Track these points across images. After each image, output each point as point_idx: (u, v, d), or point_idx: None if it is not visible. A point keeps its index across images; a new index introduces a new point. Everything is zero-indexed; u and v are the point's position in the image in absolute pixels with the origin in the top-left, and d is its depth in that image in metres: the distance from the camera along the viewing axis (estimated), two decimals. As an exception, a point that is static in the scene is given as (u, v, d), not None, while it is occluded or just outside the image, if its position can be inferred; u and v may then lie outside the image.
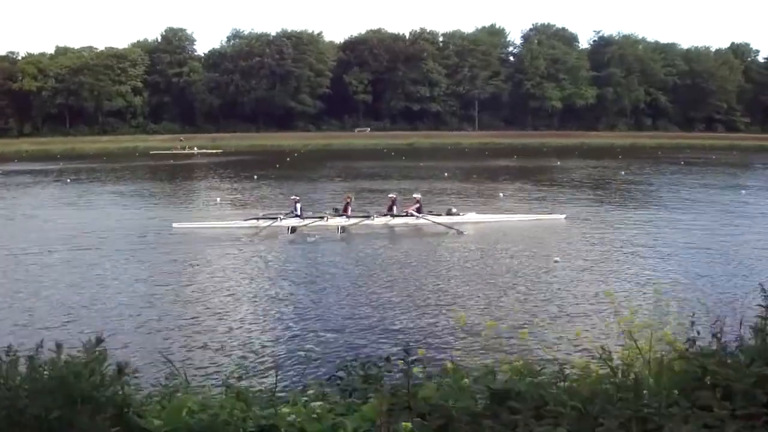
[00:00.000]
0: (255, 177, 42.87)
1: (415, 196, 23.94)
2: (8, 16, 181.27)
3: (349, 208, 23.55)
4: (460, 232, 21.25)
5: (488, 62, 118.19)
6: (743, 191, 32.91)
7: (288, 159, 64.15)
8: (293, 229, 21.90)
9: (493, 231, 21.64)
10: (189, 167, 56.62)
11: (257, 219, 22.35)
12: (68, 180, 43.61)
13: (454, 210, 23.37)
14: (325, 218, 22.74)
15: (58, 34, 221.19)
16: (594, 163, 56.24)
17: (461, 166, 53.69)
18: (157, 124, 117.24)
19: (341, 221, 22.65)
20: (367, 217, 22.92)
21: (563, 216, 23.72)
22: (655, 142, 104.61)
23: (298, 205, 23.18)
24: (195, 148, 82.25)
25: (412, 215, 22.99)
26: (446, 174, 43.67)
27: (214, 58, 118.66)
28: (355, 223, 22.68)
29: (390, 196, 24.19)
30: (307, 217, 22.90)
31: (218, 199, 31.93)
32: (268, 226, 21.68)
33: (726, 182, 38.62)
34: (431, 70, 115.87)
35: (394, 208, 23.56)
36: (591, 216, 25.03)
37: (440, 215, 22.98)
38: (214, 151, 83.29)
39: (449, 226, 21.83)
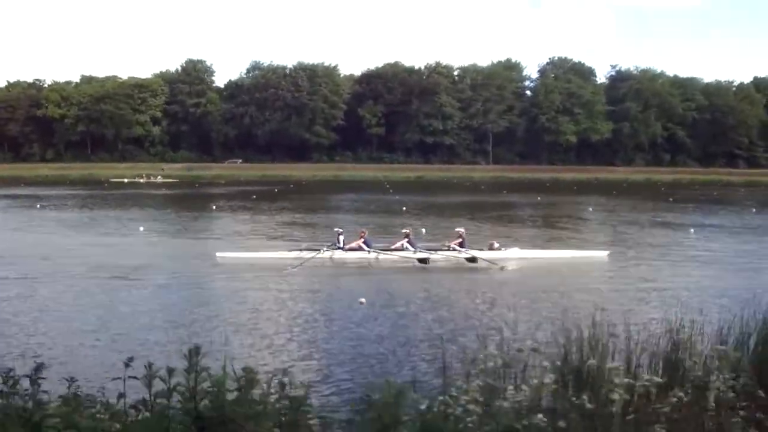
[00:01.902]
0: (213, 207, 43.31)
1: (458, 230, 23.64)
2: (36, 45, 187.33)
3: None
4: (502, 268, 21.08)
5: (502, 96, 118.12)
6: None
7: (276, 190, 64.60)
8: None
9: (536, 267, 21.51)
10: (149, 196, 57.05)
11: (300, 250, 22.38)
12: (38, 206, 44.44)
13: (496, 245, 23.10)
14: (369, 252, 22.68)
15: (84, 62, 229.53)
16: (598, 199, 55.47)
17: (449, 201, 53.51)
18: (176, 152, 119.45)
19: (371, 255, 22.62)
20: (413, 250, 22.69)
21: (606, 253, 23.53)
22: (671, 178, 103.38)
23: (341, 237, 23.02)
24: (159, 177, 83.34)
25: (454, 249, 22.74)
26: (404, 208, 43.41)
27: (231, 90, 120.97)
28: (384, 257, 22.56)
29: (457, 230, 23.82)
30: (349, 249, 22.78)
31: (141, 228, 32.04)
32: (312, 257, 21.58)
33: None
34: (445, 104, 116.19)
35: (412, 242, 23.30)
36: (635, 253, 24.83)
37: (482, 250, 22.79)
38: (171, 180, 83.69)
39: (492, 262, 21.62)
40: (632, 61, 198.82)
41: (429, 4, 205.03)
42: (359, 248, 22.84)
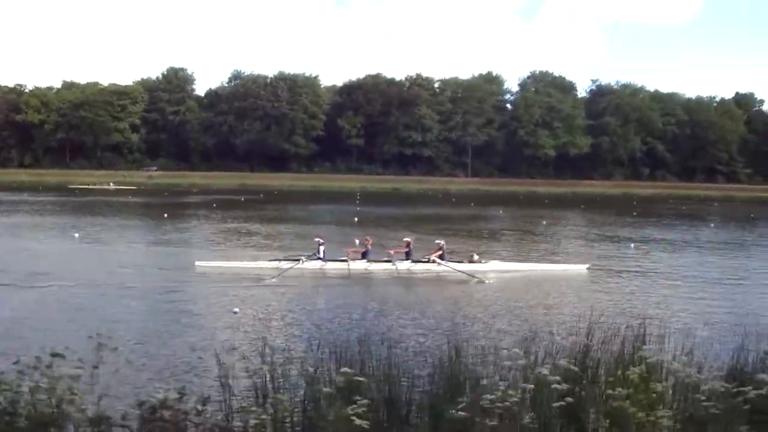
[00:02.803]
0: (165, 215, 42.86)
1: (438, 242, 23.29)
2: (18, 50, 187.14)
3: (408, 250, 23.01)
4: (481, 281, 20.81)
5: (482, 109, 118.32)
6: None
7: (243, 199, 64.17)
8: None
9: (515, 280, 21.40)
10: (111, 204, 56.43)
11: (279, 261, 22.17)
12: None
13: (476, 257, 22.86)
14: (348, 262, 22.26)
15: (66, 68, 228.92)
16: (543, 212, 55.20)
17: (408, 213, 53.15)
18: (154, 160, 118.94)
19: (359, 265, 22.27)
20: (389, 262, 22.45)
21: (585, 266, 23.24)
22: (649, 192, 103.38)
23: (322, 248, 22.68)
24: (111, 184, 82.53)
25: (434, 261, 22.46)
26: (356, 219, 42.99)
27: (211, 98, 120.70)
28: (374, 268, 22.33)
29: (405, 240, 23.65)
30: (329, 260, 22.53)
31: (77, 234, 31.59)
32: (290, 267, 21.31)
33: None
34: (424, 116, 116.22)
35: (411, 252, 23.01)
36: (614, 266, 24.61)
37: (462, 262, 22.55)
38: (132, 187, 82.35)
39: (471, 275, 21.35)
40: (620, 76, 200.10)
41: (416, 17, 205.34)
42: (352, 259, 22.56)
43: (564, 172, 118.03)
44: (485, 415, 4.97)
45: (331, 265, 22.23)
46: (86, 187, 79.95)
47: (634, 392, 5.33)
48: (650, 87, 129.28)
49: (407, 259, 22.72)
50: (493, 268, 22.42)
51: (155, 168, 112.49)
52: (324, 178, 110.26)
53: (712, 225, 46.90)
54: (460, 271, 21.71)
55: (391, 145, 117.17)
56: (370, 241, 23.64)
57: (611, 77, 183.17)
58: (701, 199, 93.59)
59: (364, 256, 22.83)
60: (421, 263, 22.56)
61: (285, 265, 21.53)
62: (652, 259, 27.32)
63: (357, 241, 28.08)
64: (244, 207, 55.25)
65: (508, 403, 5.06)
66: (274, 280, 19.88)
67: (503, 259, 24.66)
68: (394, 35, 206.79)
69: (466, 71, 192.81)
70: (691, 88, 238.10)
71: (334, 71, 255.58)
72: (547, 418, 5.39)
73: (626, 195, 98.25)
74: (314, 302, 17.76)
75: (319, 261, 22.38)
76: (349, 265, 22.12)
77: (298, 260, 21.99)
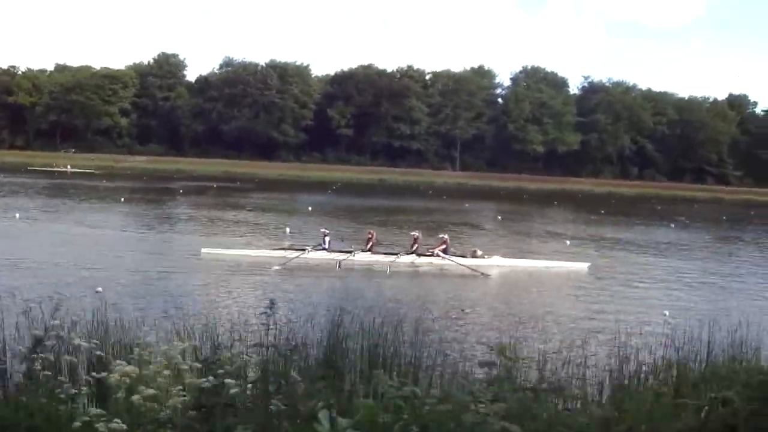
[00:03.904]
0: (122, 199, 43.11)
1: (441, 236, 23.82)
2: (13, 31, 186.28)
3: (372, 244, 23.43)
4: (485, 275, 21.21)
5: (472, 103, 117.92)
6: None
7: (215, 186, 64.44)
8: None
9: (517, 275, 21.88)
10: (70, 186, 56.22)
11: (285, 250, 22.77)
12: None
13: (479, 252, 23.30)
14: (353, 253, 22.65)
15: (59, 51, 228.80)
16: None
17: (374, 204, 53.28)
18: (143, 145, 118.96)
19: (363, 257, 22.64)
20: (395, 254, 22.81)
21: (586, 264, 23.70)
22: (635, 191, 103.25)
23: (327, 238, 23.25)
24: (69, 166, 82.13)
25: (438, 255, 22.85)
26: (310, 208, 43.20)
27: (201, 84, 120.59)
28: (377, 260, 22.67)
29: (413, 234, 24.05)
30: (334, 251, 22.93)
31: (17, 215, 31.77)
32: (296, 257, 21.78)
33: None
34: (413, 108, 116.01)
35: (416, 246, 23.38)
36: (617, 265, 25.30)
37: (465, 257, 22.94)
38: (91, 171, 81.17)
39: (474, 269, 21.73)
40: (617, 75, 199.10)
41: (413, 8, 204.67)
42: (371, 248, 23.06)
43: (553, 169, 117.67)
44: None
45: (335, 256, 22.58)
46: (44, 169, 79.87)
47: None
48: (644, 86, 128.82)
49: (412, 253, 23.06)
50: (496, 263, 22.97)
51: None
52: (312, 168, 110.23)
53: (672, 225, 46.83)
54: (463, 265, 22.14)
55: (380, 136, 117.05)
56: (374, 234, 23.97)
57: (608, 75, 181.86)
58: (687, 199, 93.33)
59: (371, 248, 23.25)
60: (424, 257, 23.02)
61: (290, 254, 22.07)
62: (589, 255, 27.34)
63: (287, 230, 28.44)
64: (212, 194, 55.58)
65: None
66: (278, 268, 20.43)
67: (504, 255, 25.01)
68: (390, 26, 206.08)
69: (461, 64, 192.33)
70: (683, 88, 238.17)
71: (329, 61, 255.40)
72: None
73: (611, 194, 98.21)
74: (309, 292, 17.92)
75: (324, 251, 22.86)
76: (354, 256, 22.49)
77: (304, 250, 22.49)
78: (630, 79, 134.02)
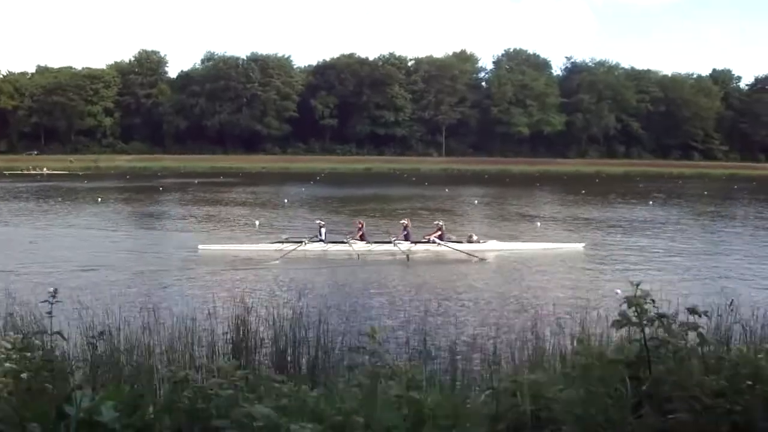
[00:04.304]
0: (99, 199, 42.94)
1: (437, 222, 23.93)
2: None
3: (362, 233, 23.55)
4: (482, 260, 21.34)
5: (454, 88, 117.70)
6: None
7: (197, 182, 64.18)
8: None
9: (514, 258, 21.96)
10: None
11: (282, 242, 22.69)
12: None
13: (474, 237, 23.40)
14: (348, 243, 22.79)
15: (40, 53, 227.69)
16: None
17: (348, 194, 53.19)
18: (127, 144, 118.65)
19: (361, 247, 22.70)
20: (389, 243, 22.84)
21: (581, 245, 23.88)
22: (622, 170, 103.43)
23: (323, 230, 23.34)
24: (45, 169, 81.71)
25: (434, 242, 22.97)
26: (286, 200, 43.19)
27: (183, 80, 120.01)
28: (371, 250, 22.75)
29: (402, 222, 24.18)
30: (330, 242, 23.08)
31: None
32: (293, 249, 21.82)
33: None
34: (396, 95, 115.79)
35: (407, 233, 23.50)
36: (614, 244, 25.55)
37: (461, 242, 23.11)
38: (65, 172, 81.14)
39: (471, 254, 21.89)
40: (602, 55, 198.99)
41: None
42: (361, 239, 23.18)
43: (539, 151, 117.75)
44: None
45: (332, 247, 22.79)
46: (19, 172, 79.25)
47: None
48: (627, 64, 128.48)
49: (407, 240, 23.12)
50: (492, 248, 23.02)
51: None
52: (297, 159, 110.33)
53: (651, 203, 46.98)
54: (459, 250, 22.30)
55: (364, 125, 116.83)
56: (363, 224, 24.05)
57: (594, 55, 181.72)
58: (674, 176, 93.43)
59: (362, 238, 23.33)
60: (421, 243, 23.10)
61: (288, 247, 22.12)
62: (545, 236, 27.42)
63: (257, 223, 28.36)
64: (191, 190, 55.41)
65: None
66: (277, 261, 20.46)
67: (500, 238, 25.14)
68: (372, 14, 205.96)
69: (443, 50, 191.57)
70: (667, 65, 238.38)
71: (311, 51, 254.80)
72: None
73: (599, 173, 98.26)
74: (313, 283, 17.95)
75: (321, 243, 22.99)
76: (351, 246, 22.61)
77: (301, 242, 22.51)
78: (614, 58, 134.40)
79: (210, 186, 60.39)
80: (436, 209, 39.57)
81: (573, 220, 34.85)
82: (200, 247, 22.51)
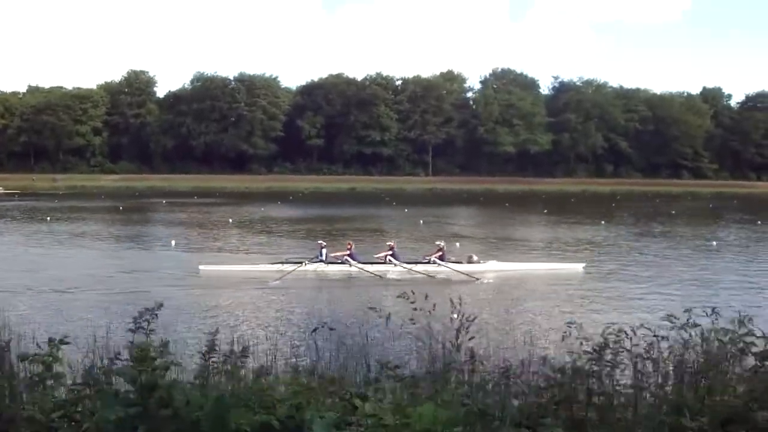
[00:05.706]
0: (48, 219, 42.94)
1: (438, 243, 23.97)
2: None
3: (351, 254, 23.55)
4: (480, 281, 21.41)
5: (440, 108, 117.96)
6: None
7: (164, 202, 64.18)
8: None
9: (514, 279, 22.03)
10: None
11: (282, 263, 22.74)
12: None
13: (475, 258, 23.48)
14: (349, 264, 22.94)
15: (32, 73, 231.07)
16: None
17: (315, 214, 52.98)
18: (115, 163, 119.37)
19: (364, 267, 22.78)
20: (386, 263, 23.03)
21: (582, 266, 23.88)
22: (609, 189, 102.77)
23: (324, 250, 23.38)
24: (1, 188, 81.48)
25: (434, 262, 23.07)
26: (230, 220, 43.19)
27: (170, 100, 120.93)
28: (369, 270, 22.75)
29: (388, 243, 24.21)
30: (330, 262, 23.17)
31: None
32: (293, 270, 21.92)
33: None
34: (382, 115, 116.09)
35: (393, 253, 23.54)
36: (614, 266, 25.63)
37: (461, 263, 23.19)
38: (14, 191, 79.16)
39: (470, 275, 21.96)
40: (591, 74, 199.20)
41: (381, 16, 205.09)
42: (344, 261, 23.14)
43: (526, 170, 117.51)
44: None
45: (332, 268, 22.90)
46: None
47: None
48: (617, 83, 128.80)
49: (397, 260, 23.19)
50: (491, 268, 23.07)
51: None
52: (283, 179, 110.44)
53: (602, 223, 46.41)
54: (458, 271, 22.35)
55: (351, 144, 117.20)
56: (352, 245, 23.98)
57: (584, 74, 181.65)
58: (660, 195, 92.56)
59: (352, 258, 23.31)
60: (421, 264, 23.18)
61: (288, 267, 22.16)
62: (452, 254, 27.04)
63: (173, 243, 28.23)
64: (159, 210, 55.35)
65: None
66: (277, 282, 20.45)
67: (500, 259, 25.12)
68: (360, 34, 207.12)
69: (431, 70, 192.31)
70: (657, 84, 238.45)
71: (298, 72, 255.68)
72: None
73: (585, 192, 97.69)
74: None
75: (321, 263, 23.07)
76: (350, 267, 22.76)
77: (301, 263, 22.57)
78: (605, 77, 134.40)
79: (176, 206, 60.23)
80: (377, 230, 39.28)
81: (492, 240, 34.53)
82: (201, 267, 22.40)
